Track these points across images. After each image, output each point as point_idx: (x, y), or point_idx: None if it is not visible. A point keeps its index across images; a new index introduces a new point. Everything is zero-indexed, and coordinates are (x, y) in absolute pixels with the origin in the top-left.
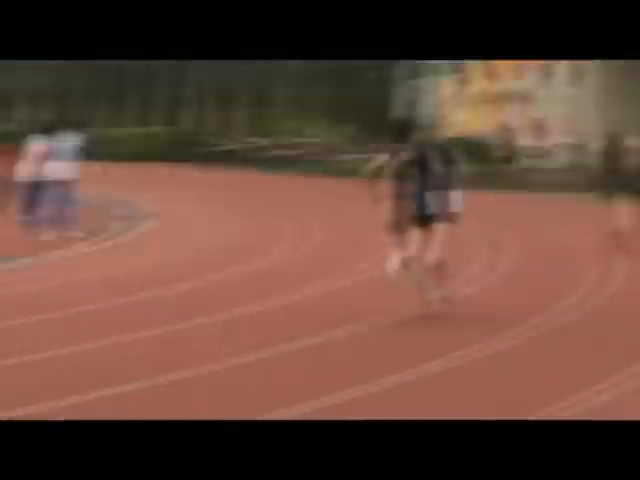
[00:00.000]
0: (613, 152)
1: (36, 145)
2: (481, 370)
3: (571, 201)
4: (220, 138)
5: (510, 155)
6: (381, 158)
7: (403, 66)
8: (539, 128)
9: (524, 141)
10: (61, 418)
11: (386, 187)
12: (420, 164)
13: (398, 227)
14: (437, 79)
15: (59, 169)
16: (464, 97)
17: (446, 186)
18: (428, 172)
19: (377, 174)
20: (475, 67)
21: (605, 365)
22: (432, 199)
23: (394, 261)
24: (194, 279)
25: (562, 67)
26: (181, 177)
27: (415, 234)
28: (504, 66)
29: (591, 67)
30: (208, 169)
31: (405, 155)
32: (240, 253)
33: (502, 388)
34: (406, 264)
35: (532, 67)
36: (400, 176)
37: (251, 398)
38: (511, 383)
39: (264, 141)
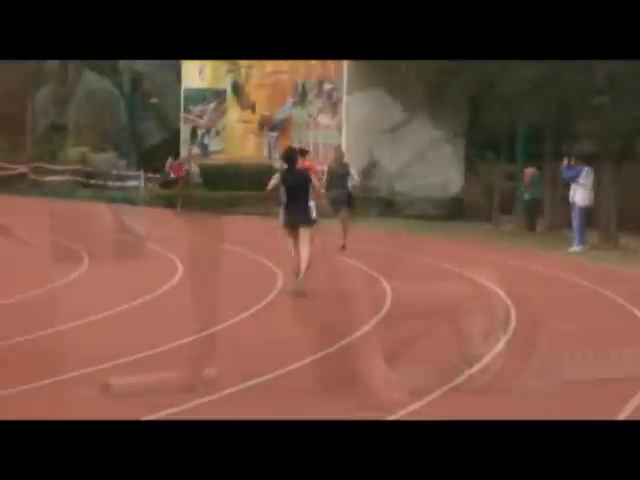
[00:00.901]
0: (337, 173)
1: None
2: None
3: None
4: (9, 162)
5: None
6: (275, 178)
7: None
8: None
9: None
10: None
11: (279, 198)
12: (303, 182)
13: (288, 229)
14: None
15: None
16: (224, 125)
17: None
18: (307, 188)
19: (272, 190)
20: (232, 97)
21: None
22: (311, 208)
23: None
24: None
25: (316, 95)
26: None
27: (297, 236)
28: (259, 95)
29: (344, 93)
30: None
31: (289, 175)
32: None
33: None
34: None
35: (288, 96)
36: (287, 191)
37: None
38: None
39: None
